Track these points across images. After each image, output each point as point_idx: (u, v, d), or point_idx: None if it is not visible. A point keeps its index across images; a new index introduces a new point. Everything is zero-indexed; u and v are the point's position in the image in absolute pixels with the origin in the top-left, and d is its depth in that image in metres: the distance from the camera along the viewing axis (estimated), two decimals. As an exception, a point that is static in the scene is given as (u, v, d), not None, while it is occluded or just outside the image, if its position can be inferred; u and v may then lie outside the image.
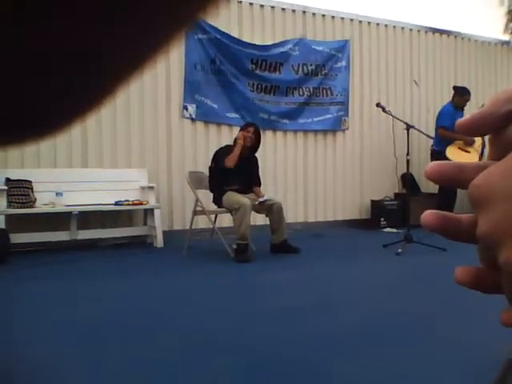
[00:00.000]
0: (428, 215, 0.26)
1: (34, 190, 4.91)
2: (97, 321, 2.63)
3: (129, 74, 0.18)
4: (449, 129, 6.06)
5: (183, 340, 2.32)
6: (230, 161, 4.59)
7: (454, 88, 6.62)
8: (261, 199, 4.68)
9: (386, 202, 6.75)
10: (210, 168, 4.85)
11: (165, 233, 5.32)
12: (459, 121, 0.26)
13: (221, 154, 4.74)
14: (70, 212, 4.86)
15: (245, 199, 4.49)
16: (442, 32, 7.87)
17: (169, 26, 0.17)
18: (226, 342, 2.28)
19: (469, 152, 6.10)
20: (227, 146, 4.85)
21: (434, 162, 0.26)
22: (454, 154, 6.09)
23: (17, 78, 0.15)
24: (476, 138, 6.08)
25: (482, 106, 0.27)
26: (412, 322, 2.57)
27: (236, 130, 6.21)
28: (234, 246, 4.47)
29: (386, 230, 6.37)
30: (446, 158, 6.19)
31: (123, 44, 0.16)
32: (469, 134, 0.26)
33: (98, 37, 0.15)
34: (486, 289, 0.25)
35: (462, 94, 6.42)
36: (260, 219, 5.39)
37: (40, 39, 0.14)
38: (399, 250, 4.50)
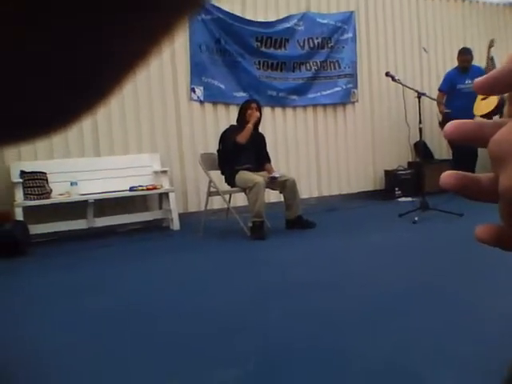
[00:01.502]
0: (447, 176, 0.25)
1: (49, 180, 4.96)
2: (120, 305, 2.68)
3: (136, 62, 0.17)
4: (445, 92, 6.37)
5: (202, 318, 2.35)
6: (242, 137, 4.61)
7: None
8: (273, 175, 4.68)
9: (399, 172, 6.70)
10: (218, 151, 4.85)
11: (180, 215, 5.36)
12: (477, 80, 0.25)
13: (227, 134, 4.74)
14: (86, 200, 4.91)
15: (258, 177, 4.50)
16: (448, -4, 7.70)
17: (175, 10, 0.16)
18: (243, 319, 2.31)
19: (488, 97, 6.10)
20: (232, 126, 4.85)
21: (453, 121, 0.26)
22: (478, 106, 6.06)
23: (18, 73, 0.15)
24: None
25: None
26: (432, 293, 2.56)
27: (245, 109, 6.20)
28: (250, 224, 4.49)
29: (401, 199, 6.33)
30: (451, 119, 6.22)
31: (131, 29, 0.15)
32: (488, 92, 0.25)
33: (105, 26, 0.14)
34: (508, 246, 0.25)
35: (459, 55, 6.50)
36: (274, 196, 5.39)
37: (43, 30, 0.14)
38: (416, 219, 4.48)
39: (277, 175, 4.69)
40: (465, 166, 5.95)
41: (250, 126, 4.67)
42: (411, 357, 1.73)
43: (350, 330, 2.03)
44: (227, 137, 4.72)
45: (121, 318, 2.40)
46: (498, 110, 5.77)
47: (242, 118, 4.78)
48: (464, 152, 6.13)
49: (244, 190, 4.60)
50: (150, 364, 1.80)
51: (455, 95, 6.25)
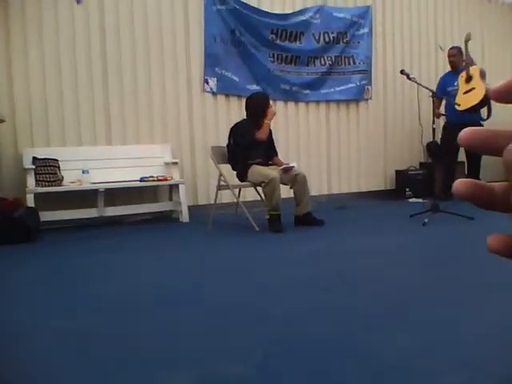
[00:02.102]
0: (460, 184, 0.25)
1: (61, 168, 4.99)
2: (128, 294, 2.70)
3: None
4: (438, 97, 5.87)
5: (208, 311, 2.36)
6: (263, 134, 4.67)
7: None
8: (286, 166, 4.68)
9: (410, 172, 6.67)
10: (227, 145, 4.84)
11: (190, 208, 5.37)
12: (493, 87, 0.25)
13: (243, 129, 4.72)
14: (97, 189, 4.94)
15: (273, 172, 4.50)
16: (467, -6, 7.59)
17: None
18: (251, 312, 2.32)
19: (474, 88, 5.69)
20: (245, 121, 4.83)
21: (469, 128, 0.26)
22: (462, 101, 5.76)
23: None
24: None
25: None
26: (439, 295, 2.56)
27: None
28: (267, 217, 4.50)
29: (411, 200, 6.31)
30: (450, 127, 5.99)
31: None
32: (503, 100, 0.25)
33: None
34: None
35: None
36: (284, 192, 5.38)
37: None
38: (426, 220, 4.46)
39: (293, 164, 4.70)
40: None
41: (268, 122, 4.68)
42: (416, 358, 1.74)
43: (359, 328, 2.04)
44: (243, 132, 4.70)
45: (126, 306, 2.43)
46: (483, 103, 5.56)
47: (259, 113, 4.73)
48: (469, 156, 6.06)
49: (255, 184, 4.60)
50: (155, 354, 1.81)
51: (448, 98, 6.01)
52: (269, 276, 3.05)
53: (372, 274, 2.99)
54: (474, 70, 5.75)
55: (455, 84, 5.97)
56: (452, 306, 2.34)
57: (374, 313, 2.27)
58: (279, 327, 2.15)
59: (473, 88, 5.70)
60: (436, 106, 5.97)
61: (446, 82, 6.22)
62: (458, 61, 6.14)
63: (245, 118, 4.87)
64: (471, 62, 5.79)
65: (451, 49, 6.25)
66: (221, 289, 2.78)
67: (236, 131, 4.78)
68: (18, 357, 1.92)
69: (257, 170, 4.58)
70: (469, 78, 5.74)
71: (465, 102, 5.73)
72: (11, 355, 1.94)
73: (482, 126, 5.72)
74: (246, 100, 4.95)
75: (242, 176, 4.71)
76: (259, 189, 4.91)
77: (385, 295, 2.54)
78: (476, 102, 5.61)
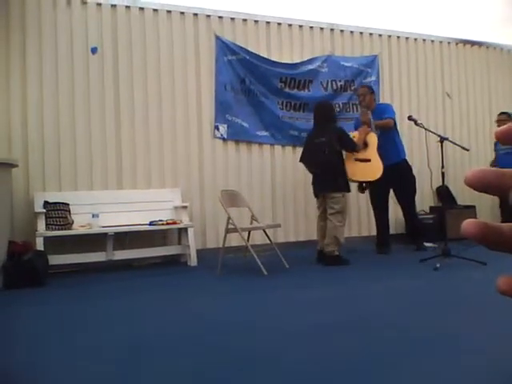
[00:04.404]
0: (468, 224, 0.25)
1: (72, 212, 5.02)
2: (135, 340, 2.65)
3: None
4: None
5: (217, 358, 2.30)
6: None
7: None
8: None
9: (421, 216, 6.61)
10: (329, 149, 4.96)
11: (198, 251, 5.34)
12: (497, 130, 0.26)
13: (348, 135, 5.19)
14: (106, 233, 4.95)
15: None
16: (473, 43, 7.76)
17: None
18: (261, 362, 2.26)
19: (369, 160, 5.23)
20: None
21: (475, 168, 0.26)
22: (352, 168, 5.22)
23: None
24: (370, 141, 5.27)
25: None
26: (452, 342, 2.48)
27: (266, 148, 6.28)
28: (337, 253, 4.85)
29: (422, 244, 6.22)
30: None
31: None
32: (508, 142, 0.25)
33: None
34: None
35: None
36: (293, 236, 5.35)
37: None
38: (437, 265, 4.38)
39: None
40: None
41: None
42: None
43: (365, 374, 1.97)
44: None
45: (134, 351, 2.38)
46: (381, 179, 5.14)
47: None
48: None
49: (338, 210, 4.93)
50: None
51: None
52: (278, 322, 2.99)
53: (380, 320, 2.92)
54: (371, 138, 5.29)
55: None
56: (463, 355, 2.27)
57: (376, 359, 2.20)
58: (289, 377, 2.09)
59: (368, 160, 5.22)
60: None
61: (357, 124, 5.66)
62: (369, 101, 5.61)
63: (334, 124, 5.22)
64: (366, 115, 5.38)
65: (361, 87, 5.85)
66: (229, 339, 2.73)
67: (347, 136, 5.16)
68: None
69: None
70: (364, 145, 5.25)
71: (357, 172, 5.21)
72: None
73: (407, 163, 5.76)
74: (324, 107, 5.35)
75: (342, 184, 4.99)
76: (268, 231, 4.90)
77: (389, 342, 2.46)
78: (372, 179, 5.20)
